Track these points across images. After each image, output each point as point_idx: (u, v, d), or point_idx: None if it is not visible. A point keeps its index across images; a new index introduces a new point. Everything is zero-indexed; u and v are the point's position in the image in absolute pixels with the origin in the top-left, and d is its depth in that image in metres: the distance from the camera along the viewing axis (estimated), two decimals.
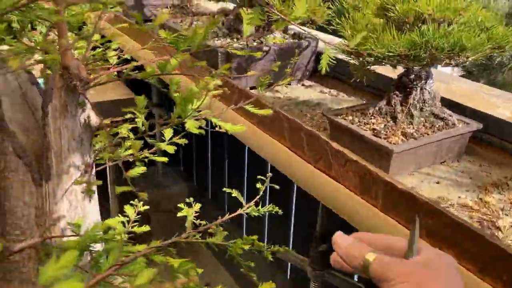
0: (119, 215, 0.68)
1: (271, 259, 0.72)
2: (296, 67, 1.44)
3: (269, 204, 0.71)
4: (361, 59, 0.94)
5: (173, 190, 2.55)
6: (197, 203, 0.74)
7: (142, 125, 0.65)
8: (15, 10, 0.44)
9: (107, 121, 0.70)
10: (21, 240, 0.71)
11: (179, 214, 0.71)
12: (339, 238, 0.52)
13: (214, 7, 1.80)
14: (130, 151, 0.86)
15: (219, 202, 2.52)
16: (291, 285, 2.00)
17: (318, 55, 1.48)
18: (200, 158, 2.65)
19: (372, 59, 0.93)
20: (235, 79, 1.34)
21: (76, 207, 0.75)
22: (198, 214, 0.81)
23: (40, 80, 0.75)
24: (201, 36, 0.67)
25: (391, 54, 0.86)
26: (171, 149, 0.69)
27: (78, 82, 0.65)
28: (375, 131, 0.96)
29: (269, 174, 0.75)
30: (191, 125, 0.61)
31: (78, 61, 0.63)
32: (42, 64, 0.63)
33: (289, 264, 1.99)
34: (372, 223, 0.87)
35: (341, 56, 1.46)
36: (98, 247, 0.72)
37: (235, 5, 1.43)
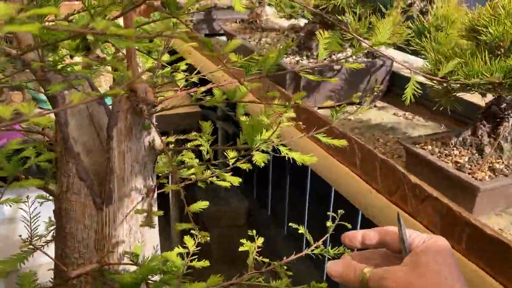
0: (179, 246, 0.64)
1: None
2: (368, 87, 1.36)
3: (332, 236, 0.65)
4: (445, 85, 0.86)
5: (232, 204, 2.53)
6: (260, 237, 0.69)
7: (207, 152, 0.61)
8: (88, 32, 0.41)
9: (171, 139, 0.67)
10: (80, 264, 0.69)
11: (241, 249, 0.66)
12: (331, 267, 0.56)
13: (284, 23, 1.76)
14: (191, 171, 0.83)
15: (279, 219, 2.47)
16: None
17: (392, 75, 1.40)
18: (261, 173, 2.61)
19: (458, 85, 0.85)
20: (303, 98, 1.28)
21: (136, 231, 0.72)
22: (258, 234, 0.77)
23: (108, 100, 0.74)
24: (273, 60, 0.63)
25: (482, 81, 0.77)
26: (235, 181, 0.65)
27: (144, 106, 0.62)
28: (458, 165, 0.87)
29: (341, 211, 0.68)
30: (259, 158, 0.56)
31: (145, 84, 0.61)
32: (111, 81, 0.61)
33: None
34: None
35: (420, 77, 1.37)
36: (155, 277, 0.69)
37: (306, 22, 1.38)
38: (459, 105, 1.06)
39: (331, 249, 0.67)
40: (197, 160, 0.84)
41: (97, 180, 0.67)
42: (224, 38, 2.03)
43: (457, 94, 0.95)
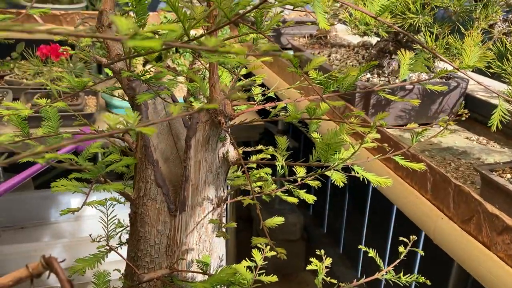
0: (247, 259, 0.64)
1: None
2: (440, 109, 1.32)
3: (423, 278, 0.63)
4: None
5: (289, 219, 2.51)
6: (327, 258, 0.68)
7: (282, 168, 0.61)
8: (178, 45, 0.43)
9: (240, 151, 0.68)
10: (150, 268, 0.72)
11: (308, 268, 0.66)
12: None
13: (353, 39, 1.75)
14: (259, 183, 0.84)
15: (335, 237, 2.43)
16: None
17: (466, 97, 1.35)
18: (319, 188, 2.58)
19: None
20: (371, 117, 1.26)
21: (205, 240, 0.73)
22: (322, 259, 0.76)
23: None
24: (352, 78, 0.62)
25: None
26: (310, 199, 0.65)
27: (222, 118, 0.64)
28: None
29: (413, 237, 0.66)
30: (338, 178, 0.56)
31: (224, 97, 0.62)
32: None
33: None
34: None
35: (493, 101, 1.31)
36: None
37: (378, 40, 1.36)
38: None
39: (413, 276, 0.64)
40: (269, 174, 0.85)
41: (172, 188, 0.69)
42: (291, 52, 2.05)
43: None
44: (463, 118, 0.70)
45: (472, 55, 0.56)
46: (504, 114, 0.63)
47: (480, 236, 0.83)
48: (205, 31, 0.56)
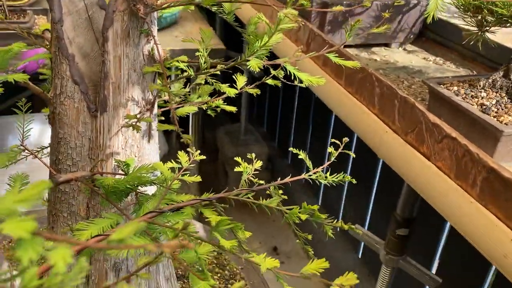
0: (172, 161, 0.61)
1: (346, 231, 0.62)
2: (399, 28, 1.27)
3: (350, 177, 0.61)
4: (479, 17, 0.78)
5: (253, 150, 2.50)
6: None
7: (204, 62, 0.57)
8: None
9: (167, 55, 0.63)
10: (72, 172, 0.68)
11: (236, 169, 0.63)
12: None
13: None
14: (203, 99, 0.80)
15: (299, 168, 2.44)
16: (361, 264, 1.89)
17: (426, 18, 1.30)
18: (284, 120, 2.56)
19: (494, 18, 0.77)
20: (328, 34, 1.22)
21: (132, 145, 0.70)
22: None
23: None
24: None
25: None
26: (232, 92, 0.61)
27: (142, 7, 0.58)
28: (484, 107, 0.81)
29: (346, 139, 0.64)
30: (254, 64, 0.52)
31: None
32: None
33: (362, 243, 1.87)
34: (464, 212, 0.73)
35: (454, 20, 1.27)
36: (150, 190, 0.67)
37: None
38: (492, 49, 0.98)
39: (339, 175, 0.63)
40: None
41: (92, 88, 0.65)
42: None
43: (493, 33, 0.87)
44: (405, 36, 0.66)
45: None
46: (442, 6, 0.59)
47: (422, 147, 0.82)
48: None
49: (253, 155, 0.65)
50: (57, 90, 0.63)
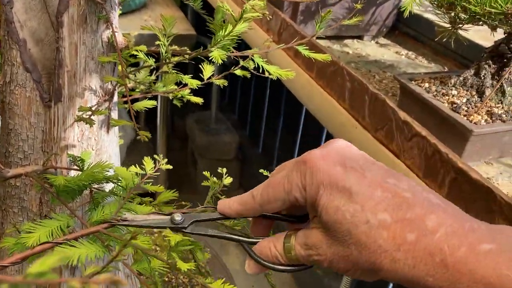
0: (136, 165, 0.57)
1: None
2: (372, 21, 1.26)
3: None
4: (453, 14, 0.76)
5: (224, 138, 2.47)
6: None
7: (166, 52, 0.53)
8: None
9: (129, 43, 0.59)
10: (24, 165, 0.64)
11: (204, 183, 0.60)
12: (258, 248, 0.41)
13: None
14: (168, 88, 0.76)
15: (270, 157, 2.42)
16: None
17: (400, 11, 1.29)
18: (256, 109, 2.54)
19: (467, 16, 0.76)
20: (300, 24, 1.19)
21: (89, 137, 0.66)
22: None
23: None
24: None
25: (494, 11, 0.68)
26: (194, 84, 0.58)
27: None
28: (454, 105, 0.80)
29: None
30: (217, 55, 0.49)
31: None
32: None
33: None
34: None
35: (428, 15, 1.27)
36: (107, 187, 0.63)
37: None
38: (465, 46, 0.97)
39: None
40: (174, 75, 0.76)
41: (46, 76, 0.60)
42: None
43: (466, 30, 0.86)
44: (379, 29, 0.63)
45: None
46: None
47: (391, 144, 0.80)
48: None
49: (224, 170, 0.62)
50: (6, 77, 0.59)
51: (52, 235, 0.45)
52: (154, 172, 0.59)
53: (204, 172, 0.64)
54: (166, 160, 0.66)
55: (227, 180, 0.64)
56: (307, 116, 2.01)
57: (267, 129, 2.46)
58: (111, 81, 0.64)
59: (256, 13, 0.46)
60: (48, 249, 0.44)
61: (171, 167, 0.67)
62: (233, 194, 0.43)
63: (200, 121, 2.57)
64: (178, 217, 0.41)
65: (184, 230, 0.41)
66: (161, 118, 2.09)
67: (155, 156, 0.69)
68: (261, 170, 0.64)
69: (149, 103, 0.43)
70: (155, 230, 1.05)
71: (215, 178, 0.65)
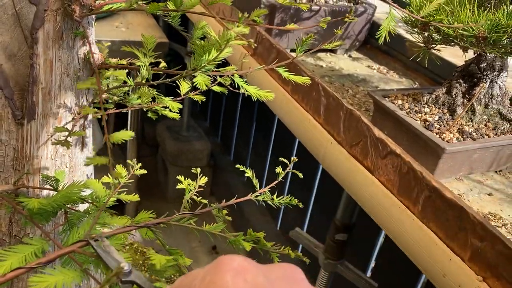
0: (109, 175, 0.56)
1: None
2: (345, 35, 1.28)
3: (290, 184, 0.59)
4: (426, 34, 0.78)
5: (195, 146, 2.45)
6: (204, 177, 0.62)
7: (142, 77, 0.53)
8: None
9: (113, 60, 0.58)
10: None
11: (178, 186, 0.59)
12: None
13: None
14: (143, 100, 0.75)
15: (241, 165, 2.42)
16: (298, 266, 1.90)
17: (372, 25, 1.31)
18: (228, 116, 2.53)
19: (440, 37, 0.78)
20: (275, 37, 1.19)
21: (63, 155, 0.64)
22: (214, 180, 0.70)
23: None
24: None
25: (466, 33, 0.70)
26: (175, 106, 0.57)
27: (77, 8, 0.53)
28: (427, 123, 0.82)
29: (294, 159, 0.62)
30: (201, 80, 0.48)
31: None
32: None
33: (300, 245, 1.88)
34: (405, 229, 0.73)
35: (400, 30, 1.29)
36: (82, 207, 0.62)
37: None
38: (436, 63, 1.00)
39: (286, 198, 0.61)
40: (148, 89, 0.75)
41: (19, 92, 0.58)
42: None
43: (438, 50, 0.88)
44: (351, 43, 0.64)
45: None
46: (393, 28, 0.59)
47: (365, 161, 0.81)
48: None
49: (198, 169, 0.61)
50: None
51: (25, 261, 0.44)
52: (127, 180, 0.58)
53: (178, 177, 0.62)
54: (140, 165, 0.65)
55: (202, 180, 0.63)
56: (280, 124, 2.02)
57: (239, 136, 2.46)
58: (86, 98, 0.63)
59: (243, 41, 0.45)
60: (22, 275, 0.43)
61: (145, 171, 0.66)
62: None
63: (171, 128, 2.55)
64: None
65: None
66: (132, 124, 2.06)
67: (128, 161, 0.68)
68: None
69: (127, 135, 0.41)
70: (126, 246, 1.03)
71: (189, 180, 0.64)
